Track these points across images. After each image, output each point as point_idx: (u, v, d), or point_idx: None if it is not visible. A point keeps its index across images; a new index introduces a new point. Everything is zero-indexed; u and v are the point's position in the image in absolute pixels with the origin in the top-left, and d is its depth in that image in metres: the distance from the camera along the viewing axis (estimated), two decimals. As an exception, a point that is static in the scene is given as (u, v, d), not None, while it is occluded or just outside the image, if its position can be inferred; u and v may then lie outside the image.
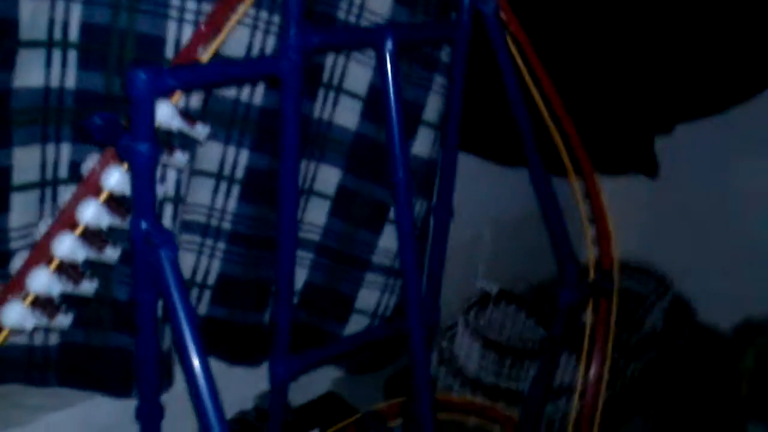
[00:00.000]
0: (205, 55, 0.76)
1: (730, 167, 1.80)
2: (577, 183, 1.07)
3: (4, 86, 0.87)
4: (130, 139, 0.65)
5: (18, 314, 0.77)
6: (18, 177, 0.92)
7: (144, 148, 0.65)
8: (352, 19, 1.11)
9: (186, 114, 0.77)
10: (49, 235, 0.77)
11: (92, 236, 0.77)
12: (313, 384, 1.49)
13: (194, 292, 1.19)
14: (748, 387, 1.50)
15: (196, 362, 0.66)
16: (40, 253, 0.78)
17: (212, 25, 0.78)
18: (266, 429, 0.91)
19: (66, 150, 0.95)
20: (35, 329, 1.00)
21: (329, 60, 1.12)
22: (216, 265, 1.18)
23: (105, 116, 0.70)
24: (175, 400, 0.91)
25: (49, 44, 0.90)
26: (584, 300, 1.12)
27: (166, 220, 1.01)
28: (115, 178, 0.73)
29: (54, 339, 1.04)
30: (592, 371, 1.09)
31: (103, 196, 0.76)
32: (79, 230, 0.77)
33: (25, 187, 0.92)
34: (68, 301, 1.01)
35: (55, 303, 0.82)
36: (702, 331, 1.78)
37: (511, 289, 1.69)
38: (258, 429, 1.17)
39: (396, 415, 1.34)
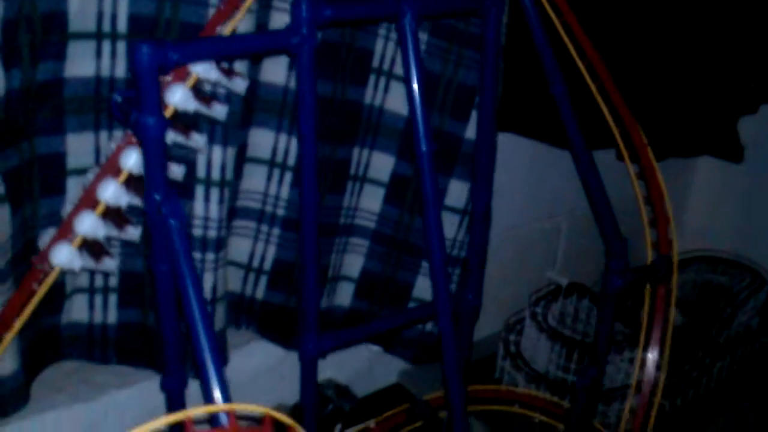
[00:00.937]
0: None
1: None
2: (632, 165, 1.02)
3: (56, 76, 0.93)
4: (138, 112, 0.67)
5: (66, 254, 0.81)
6: (72, 162, 0.97)
7: (151, 121, 0.67)
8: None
9: (202, 95, 0.79)
10: (95, 183, 0.81)
11: (135, 182, 0.81)
12: (381, 375, 1.49)
13: (251, 278, 1.22)
14: None
15: (201, 330, 0.67)
16: (88, 199, 0.82)
17: (231, 4, 0.80)
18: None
19: (118, 137, 1.00)
20: (94, 308, 1.08)
21: (379, 45, 1.13)
22: (271, 250, 1.20)
23: (125, 93, 0.73)
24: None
25: (98, 35, 0.95)
26: (641, 286, 1.06)
27: (213, 204, 1.04)
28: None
29: (112, 318, 1.09)
30: (648, 362, 1.03)
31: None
32: (122, 177, 0.80)
33: (79, 172, 0.97)
34: (125, 286, 1.08)
35: (102, 246, 0.85)
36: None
37: (589, 283, 1.63)
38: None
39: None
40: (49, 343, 1.07)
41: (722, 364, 1.50)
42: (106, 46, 0.96)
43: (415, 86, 0.84)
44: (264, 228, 1.19)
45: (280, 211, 1.18)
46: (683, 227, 1.94)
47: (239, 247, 1.19)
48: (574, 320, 1.50)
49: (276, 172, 1.16)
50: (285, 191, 1.17)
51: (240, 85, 0.83)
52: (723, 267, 1.70)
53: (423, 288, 1.29)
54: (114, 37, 0.96)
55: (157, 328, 0.80)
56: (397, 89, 1.17)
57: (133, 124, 0.69)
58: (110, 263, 0.86)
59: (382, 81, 1.16)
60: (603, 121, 1.02)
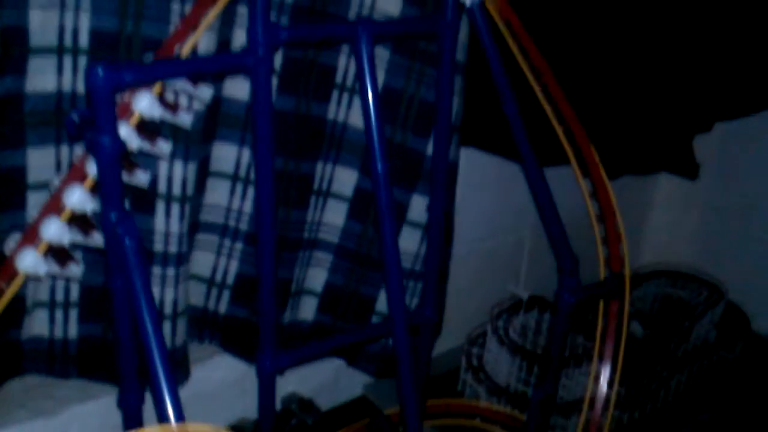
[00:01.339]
0: (182, 52, 0.79)
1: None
2: (585, 181, 1.04)
3: (17, 91, 0.93)
4: (94, 133, 0.68)
5: (32, 260, 0.81)
6: (32, 176, 0.98)
7: (106, 140, 0.68)
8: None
9: (167, 102, 0.80)
10: (61, 189, 0.81)
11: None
12: (346, 388, 1.50)
13: (214, 292, 1.23)
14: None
15: (154, 348, 0.68)
16: (53, 205, 0.82)
17: (189, 23, 0.81)
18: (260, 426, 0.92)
19: (80, 150, 1.01)
20: (55, 322, 1.08)
21: (342, 61, 1.14)
22: (234, 265, 1.21)
23: (81, 113, 0.74)
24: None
25: (59, 50, 0.95)
26: (594, 302, 1.09)
27: (174, 220, 1.05)
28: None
29: (73, 332, 1.09)
30: (601, 378, 1.05)
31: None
32: (88, 183, 0.81)
33: (39, 186, 0.98)
34: (86, 300, 1.08)
35: (67, 252, 0.85)
36: (757, 341, 1.68)
37: (550, 296, 1.66)
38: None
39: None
40: (9, 358, 1.07)
41: (680, 377, 1.53)
42: (68, 61, 0.96)
43: (371, 107, 0.85)
44: (227, 242, 1.20)
45: (243, 226, 1.19)
46: (644, 242, 1.98)
47: (202, 261, 1.20)
48: (536, 333, 1.52)
49: (239, 187, 1.17)
50: (248, 206, 1.18)
51: (206, 93, 0.84)
52: (682, 281, 1.74)
53: (385, 302, 1.31)
54: (75, 52, 0.96)
55: (114, 344, 0.80)
56: (359, 104, 1.18)
57: (88, 143, 0.69)
58: (75, 269, 0.86)
59: (346, 97, 1.18)
60: (558, 138, 1.05)
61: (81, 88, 0.98)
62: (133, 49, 0.97)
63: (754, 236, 1.77)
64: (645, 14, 1.25)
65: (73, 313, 1.09)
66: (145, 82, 0.72)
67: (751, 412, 1.50)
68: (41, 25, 0.92)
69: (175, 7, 0.96)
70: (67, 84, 0.97)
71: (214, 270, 1.22)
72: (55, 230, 0.78)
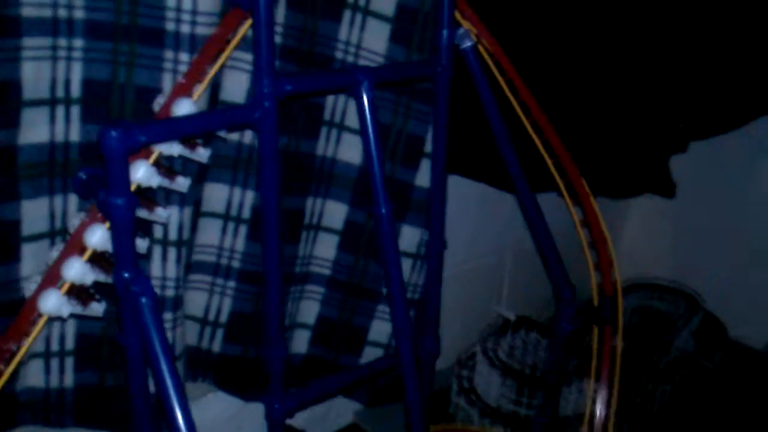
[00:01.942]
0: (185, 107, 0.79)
1: (754, 177, 1.77)
2: (576, 209, 1.07)
3: (10, 143, 0.92)
4: (107, 194, 0.68)
5: (55, 302, 0.80)
6: (27, 228, 0.96)
7: (120, 202, 0.68)
8: (350, 58, 1.14)
9: (165, 169, 0.80)
10: (81, 228, 0.81)
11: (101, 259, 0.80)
12: (337, 416, 1.51)
13: (207, 331, 1.22)
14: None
15: (176, 407, 0.68)
16: (74, 245, 0.81)
17: (192, 76, 0.82)
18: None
19: (74, 200, 1.00)
20: (50, 372, 1.06)
21: (329, 99, 1.15)
22: (228, 303, 1.21)
23: (89, 171, 0.73)
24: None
25: (52, 102, 0.94)
26: (588, 327, 1.11)
27: (171, 264, 1.05)
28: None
29: (69, 381, 1.08)
30: (599, 400, 1.08)
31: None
32: (87, 255, 0.80)
33: (34, 238, 0.97)
34: (82, 348, 1.07)
35: (89, 291, 0.84)
36: (735, 349, 1.73)
37: (539, 316, 1.69)
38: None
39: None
40: (3, 410, 1.05)
41: (664, 388, 1.57)
42: (60, 111, 0.95)
43: (373, 151, 0.87)
44: (219, 281, 1.20)
45: (236, 264, 1.19)
46: (620, 255, 2.02)
47: (195, 301, 1.20)
48: (523, 353, 1.55)
49: (231, 226, 1.17)
50: (240, 244, 1.18)
51: (203, 154, 0.84)
52: (660, 293, 1.78)
53: (378, 331, 1.32)
54: (68, 102, 0.96)
55: (130, 399, 0.80)
56: (348, 140, 1.19)
57: (101, 203, 0.69)
58: (98, 308, 0.84)
59: (334, 133, 1.19)
60: (548, 170, 1.07)
61: (74, 137, 0.97)
62: (127, 98, 0.97)
63: (727, 247, 1.83)
64: (620, 43, 1.29)
65: (69, 362, 1.07)
66: (158, 141, 0.72)
67: (735, 418, 1.54)
68: (34, 78, 0.92)
69: (168, 55, 0.96)
70: (59, 134, 0.96)
71: (207, 309, 1.21)
72: (77, 270, 0.77)
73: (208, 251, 1.18)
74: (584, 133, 1.24)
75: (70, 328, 1.05)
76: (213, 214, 1.15)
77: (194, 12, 0.95)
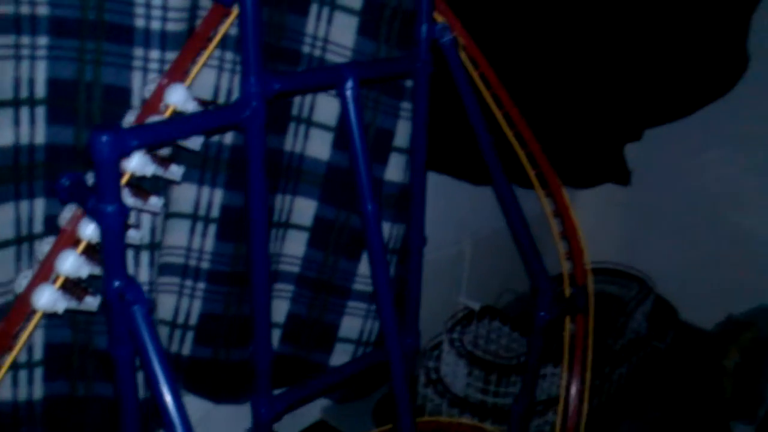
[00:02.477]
0: (168, 108, 0.77)
1: (701, 162, 1.83)
2: (548, 199, 1.09)
3: (-28, 148, 0.88)
4: (97, 200, 0.65)
5: (49, 297, 0.76)
6: (-8, 235, 0.92)
7: (111, 209, 0.66)
8: (317, 52, 1.13)
9: (159, 157, 0.78)
10: (74, 221, 0.77)
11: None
12: (305, 412, 1.50)
13: (177, 334, 1.19)
14: (732, 386, 1.52)
15: (175, 417, 0.66)
16: (67, 239, 0.78)
17: (173, 77, 0.79)
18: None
19: (40, 205, 0.96)
20: (18, 384, 1.02)
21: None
22: (197, 305, 1.18)
23: (72, 177, 0.71)
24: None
25: (15, 102, 0.90)
26: (561, 316, 1.14)
27: (144, 268, 1.02)
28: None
29: (38, 393, 1.04)
30: (573, 386, 1.11)
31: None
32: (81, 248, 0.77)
33: (0, 245, 0.93)
34: (51, 358, 1.03)
35: (81, 286, 0.81)
36: (686, 330, 1.80)
37: (496, 303, 1.72)
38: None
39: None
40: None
41: (620, 370, 1.62)
42: (24, 112, 0.91)
43: (359, 149, 0.86)
44: (188, 282, 1.17)
45: (205, 264, 1.16)
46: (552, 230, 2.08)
47: (163, 304, 1.17)
48: (487, 342, 1.57)
49: (199, 226, 1.14)
50: (209, 244, 1.15)
51: (177, 173, 0.82)
52: (612, 277, 1.83)
53: (349, 328, 1.32)
54: (32, 102, 0.92)
55: (120, 410, 0.77)
56: (316, 135, 1.18)
57: (91, 210, 0.67)
58: (93, 302, 0.80)
59: (302, 128, 1.18)
60: (518, 162, 1.09)
61: (39, 139, 0.93)
62: (94, 98, 0.94)
63: (674, 231, 1.89)
64: (579, 41, 1.32)
65: (38, 373, 1.03)
66: (149, 145, 0.70)
67: (688, 399, 1.61)
68: (-5, 78, 0.87)
69: (138, 52, 0.93)
70: (24, 137, 0.92)
71: (176, 312, 1.18)
72: (72, 264, 0.74)
73: (176, 253, 1.15)
74: (547, 125, 1.26)
75: (38, 338, 1.01)
76: (181, 215, 1.12)
77: (165, 7, 0.92)
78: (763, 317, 1.66)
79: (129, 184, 0.77)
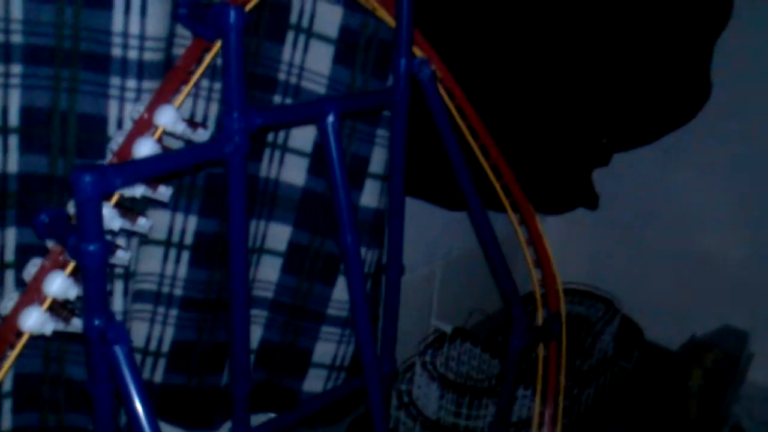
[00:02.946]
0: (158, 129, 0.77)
1: (666, 185, 1.87)
2: (521, 227, 1.10)
3: (-56, 177, 0.86)
4: (79, 239, 0.65)
5: (37, 319, 0.74)
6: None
7: (93, 248, 0.65)
8: (293, 80, 1.13)
9: (127, 210, 0.77)
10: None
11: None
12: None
13: (149, 361, 1.18)
14: (697, 406, 1.55)
15: (157, 456, 0.65)
16: (55, 260, 0.77)
17: (153, 110, 0.79)
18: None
19: (12, 234, 0.94)
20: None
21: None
22: (169, 332, 1.17)
23: (52, 213, 0.70)
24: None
25: (-12, 131, 0.89)
26: (535, 344, 1.15)
27: (118, 296, 1.01)
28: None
29: (7, 424, 1.02)
30: (547, 412, 1.12)
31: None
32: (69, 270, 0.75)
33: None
34: (20, 389, 1.01)
35: (68, 307, 0.79)
36: (651, 350, 1.84)
37: (465, 323, 1.73)
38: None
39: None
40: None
41: (589, 391, 1.65)
42: (-3, 141, 0.90)
43: (339, 180, 0.86)
44: (161, 309, 1.16)
45: (178, 291, 1.15)
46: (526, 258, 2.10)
47: (135, 332, 1.15)
48: (458, 364, 1.58)
49: (172, 252, 1.13)
50: (182, 271, 1.14)
51: (144, 226, 0.81)
52: (578, 297, 1.86)
53: (322, 353, 1.31)
54: (5, 131, 0.90)
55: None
56: (291, 161, 1.18)
57: (71, 249, 0.66)
58: (79, 323, 0.79)
59: (277, 154, 1.17)
60: (492, 190, 1.10)
61: (12, 168, 0.92)
62: (69, 127, 0.93)
63: (639, 252, 1.93)
64: (550, 75, 1.35)
65: (7, 404, 1.01)
66: (133, 183, 0.69)
67: (652, 416, 1.63)
68: (-33, 106, 0.86)
69: (115, 81, 0.92)
70: (-4, 165, 0.91)
71: (148, 339, 1.17)
72: (59, 285, 0.73)
73: (149, 280, 1.14)
74: (520, 153, 1.28)
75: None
76: (154, 242, 1.11)
77: (142, 37, 0.91)
78: (726, 338, 1.70)
79: (117, 204, 0.76)
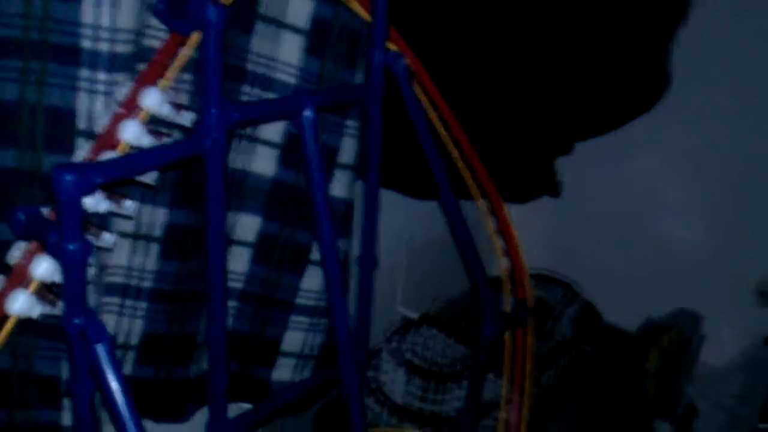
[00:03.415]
0: (125, 137, 0.76)
1: (624, 170, 1.91)
2: (491, 217, 1.12)
3: None
4: (60, 238, 0.64)
5: (24, 302, 0.74)
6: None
7: (74, 246, 0.64)
8: (262, 70, 1.12)
9: (113, 194, 0.76)
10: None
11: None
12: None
13: (117, 354, 1.17)
14: (654, 387, 1.61)
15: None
16: (39, 247, 0.75)
17: (130, 106, 0.78)
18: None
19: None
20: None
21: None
22: (138, 324, 1.16)
23: (28, 211, 0.69)
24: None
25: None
26: (504, 331, 1.18)
27: (89, 292, 0.99)
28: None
29: (-25, 422, 1.00)
30: (515, 398, 1.15)
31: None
32: None
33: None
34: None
35: (54, 291, 0.78)
36: (610, 333, 1.89)
37: (429, 309, 1.75)
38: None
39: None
40: None
41: (549, 373, 1.68)
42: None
43: (316, 173, 0.87)
44: (129, 302, 1.15)
45: (147, 284, 1.14)
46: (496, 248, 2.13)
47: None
48: (423, 349, 1.60)
49: (140, 245, 1.12)
50: (151, 263, 1.13)
51: (129, 208, 0.81)
52: (538, 282, 1.89)
53: (291, 341, 1.32)
54: (-30, 125, 0.88)
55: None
56: (260, 152, 1.18)
57: (52, 248, 0.65)
58: None
59: (245, 143, 1.17)
60: (462, 180, 1.12)
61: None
62: (37, 119, 0.91)
63: (597, 235, 1.97)
64: (515, 68, 1.37)
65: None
66: (114, 180, 0.69)
67: (611, 397, 1.68)
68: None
69: (84, 74, 0.91)
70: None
71: (117, 332, 1.16)
72: (46, 268, 0.72)
73: (117, 272, 1.12)
74: (487, 144, 1.30)
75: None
76: (121, 234, 1.10)
77: (113, 29, 0.90)
78: (682, 320, 1.75)
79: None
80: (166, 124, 0.85)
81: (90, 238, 0.75)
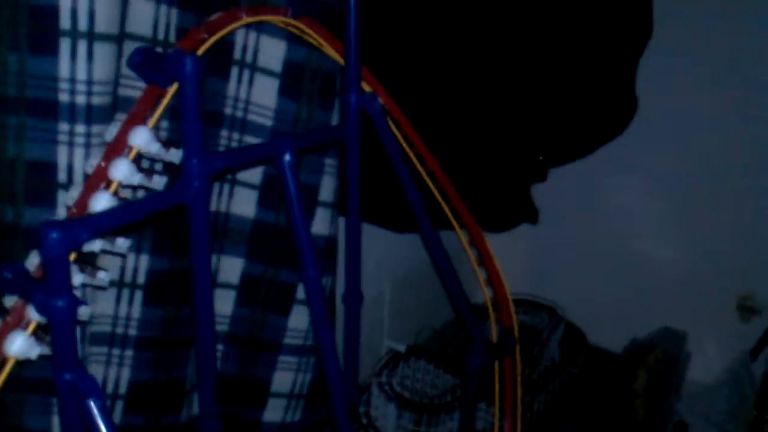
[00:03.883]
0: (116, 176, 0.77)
1: (601, 192, 1.94)
2: (472, 248, 1.14)
3: None
4: (47, 295, 0.64)
5: (22, 344, 0.73)
6: None
7: (62, 303, 0.65)
8: (240, 114, 1.14)
9: (86, 264, 0.77)
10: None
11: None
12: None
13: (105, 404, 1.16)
14: (643, 406, 1.62)
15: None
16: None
17: (110, 158, 0.79)
18: None
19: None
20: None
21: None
22: (126, 373, 1.16)
23: (13, 269, 0.69)
24: None
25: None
26: (492, 361, 1.18)
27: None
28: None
29: (-36, 482, 0.99)
30: (506, 425, 1.15)
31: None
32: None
33: None
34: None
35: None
36: (595, 354, 1.90)
37: (416, 340, 1.75)
38: None
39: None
40: None
41: (540, 398, 1.69)
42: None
43: (297, 215, 0.88)
44: (116, 351, 1.14)
45: (133, 331, 1.14)
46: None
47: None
48: (413, 381, 1.60)
49: (125, 293, 1.12)
50: (136, 311, 1.13)
51: (123, 246, 0.81)
52: (523, 307, 1.91)
53: (280, 382, 1.31)
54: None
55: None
56: (241, 193, 1.19)
57: (40, 305, 0.65)
58: None
59: (227, 188, 1.18)
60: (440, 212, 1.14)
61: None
62: (17, 174, 0.91)
63: (578, 258, 1.99)
64: (488, 102, 1.40)
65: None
66: (99, 235, 0.69)
67: (601, 418, 1.69)
68: None
69: (63, 127, 0.91)
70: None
71: (105, 382, 1.15)
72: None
73: (103, 321, 1.12)
74: (464, 176, 1.32)
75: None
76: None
77: (89, 82, 0.91)
78: (666, 338, 1.77)
79: (77, 260, 0.75)
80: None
81: (86, 277, 0.75)
